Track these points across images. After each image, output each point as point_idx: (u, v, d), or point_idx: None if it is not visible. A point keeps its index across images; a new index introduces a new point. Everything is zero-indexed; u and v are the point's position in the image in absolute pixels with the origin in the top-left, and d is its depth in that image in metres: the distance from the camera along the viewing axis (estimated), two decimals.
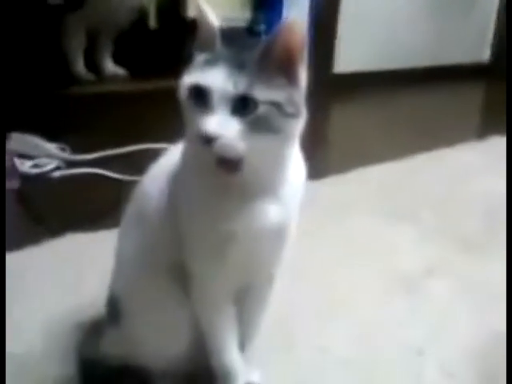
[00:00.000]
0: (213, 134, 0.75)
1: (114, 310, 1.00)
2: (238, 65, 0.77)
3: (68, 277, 1.37)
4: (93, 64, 3.22)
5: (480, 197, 2.01)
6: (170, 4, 3.47)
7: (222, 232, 0.86)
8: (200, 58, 0.80)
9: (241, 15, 3.35)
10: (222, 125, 0.75)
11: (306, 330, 1.23)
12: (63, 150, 2.19)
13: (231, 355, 0.98)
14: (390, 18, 3.87)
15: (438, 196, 2.00)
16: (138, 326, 0.97)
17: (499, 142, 2.64)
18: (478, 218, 1.84)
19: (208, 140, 0.75)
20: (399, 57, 3.98)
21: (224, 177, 0.81)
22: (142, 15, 3.34)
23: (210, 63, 0.78)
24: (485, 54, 4.53)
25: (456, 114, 3.45)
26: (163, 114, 2.77)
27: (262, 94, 0.76)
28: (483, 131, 3.00)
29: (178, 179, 0.91)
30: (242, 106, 0.76)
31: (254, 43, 0.81)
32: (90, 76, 3.15)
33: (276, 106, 0.77)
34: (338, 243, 1.59)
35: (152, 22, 3.49)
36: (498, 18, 4.41)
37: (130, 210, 1.01)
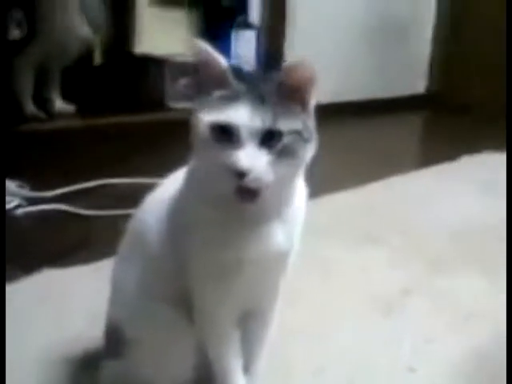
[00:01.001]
0: (247, 168, 0.77)
1: (116, 340, 0.97)
2: (258, 99, 0.79)
3: (50, 312, 1.33)
4: (41, 101, 3.17)
5: (441, 219, 2.09)
6: (116, 40, 3.48)
7: (230, 260, 0.87)
8: (214, 95, 0.82)
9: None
10: (253, 159, 0.78)
11: (299, 353, 1.24)
12: (22, 187, 2.14)
13: (237, 379, 0.97)
14: (333, 55, 4.00)
15: (403, 220, 2.06)
16: (143, 356, 0.95)
17: (446, 169, 2.77)
18: (443, 240, 1.90)
19: (241, 174, 0.77)
20: (345, 91, 4.10)
21: (240, 205, 0.82)
22: (89, 51, 3.33)
23: (230, 100, 0.80)
24: (420, 86, 4.72)
25: (400, 144, 3.57)
26: (116, 148, 2.81)
27: (285, 124, 0.79)
28: (426, 159, 3.12)
29: (181, 209, 0.91)
30: (268, 138, 0.79)
31: (265, 77, 0.84)
32: (41, 114, 3.10)
33: (297, 133, 0.81)
34: (314, 270, 1.61)
35: (97, 58, 3.49)
36: (432, 49, 4.62)
37: (127, 241, 1.01)
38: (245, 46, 3.55)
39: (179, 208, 0.92)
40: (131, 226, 1.01)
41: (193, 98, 0.87)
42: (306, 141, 0.82)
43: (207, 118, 0.80)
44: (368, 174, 2.57)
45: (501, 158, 2.75)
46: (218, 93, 0.81)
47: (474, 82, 4.32)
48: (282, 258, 0.91)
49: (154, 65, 3.39)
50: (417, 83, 4.71)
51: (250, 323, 0.98)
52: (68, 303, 1.37)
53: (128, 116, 3.06)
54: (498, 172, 2.50)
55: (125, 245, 1.01)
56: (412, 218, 2.09)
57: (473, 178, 2.59)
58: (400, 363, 1.24)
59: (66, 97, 3.26)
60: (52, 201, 2.06)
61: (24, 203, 2.02)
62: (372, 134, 3.73)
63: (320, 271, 1.61)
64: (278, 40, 3.74)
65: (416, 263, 1.72)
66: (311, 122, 0.84)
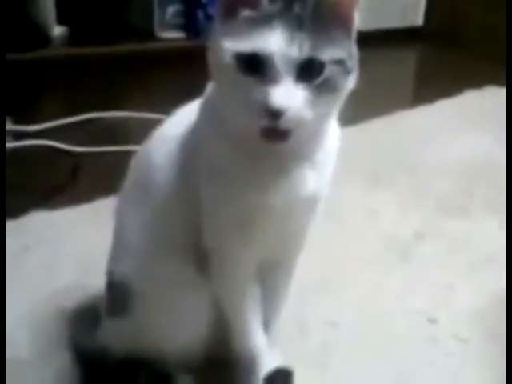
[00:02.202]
0: (282, 107, 0.65)
1: (120, 296, 0.87)
2: (295, 23, 0.66)
3: (38, 260, 1.24)
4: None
5: (446, 157, 1.98)
6: None
7: (254, 206, 0.76)
8: (240, 18, 0.68)
9: None
10: (289, 95, 0.65)
11: (314, 306, 1.16)
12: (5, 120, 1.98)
13: (256, 338, 0.89)
14: None
15: (407, 159, 1.95)
16: (152, 313, 0.85)
17: (448, 104, 2.65)
18: (450, 179, 1.80)
19: (274, 114, 0.65)
20: None
21: (267, 145, 0.70)
22: None
23: (260, 24, 0.66)
24: (417, 19, 4.54)
25: (397, 79, 3.43)
26: (112, 80, 2.65)
27: (327, 53, 0.67)
28: (426, 94, 2.98)
29: (196, 147, 0.79)
30: (307, 70, 0.66)
31: None
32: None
33: (340, 63, 0.68)
34: (324, 214, 1.51)
35: None
36: None
37: (131, 184, 0.89)
38: None
39: (194, 146, 0.80)
40: (135, 164, 0.90)
41: (212, 21, 0.73)
42: (348, 72, 0.69)
43: (232, 46, 0.67)
44: (366, 110, 2.43)
45: (503, 93, 2.64)
46: (244, 14, 0.68)
47: (473, 15, 4.15)
48: (311, 203, 0.81)
49: None
50: (414, 15, 4.53)
51: (270, 276, 0.88)
52: (56, 250, 1.27)
53: (116, 46, 2.86)
54: (501, 107, 2.39)
55: (128, 186, 0.90)
56: (417, 157, 1.98)
57: (476, 114, 2.48)
58: (420, 314, 1.17)
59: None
60: (37, 136, 1.91)
61: (8, 138, 1.87)
62: (367, 68, 3.57)
63: (330, 215, 1.49)
64: None
65: (426, 205, 1.64)
66: (355, 49, 0.71)
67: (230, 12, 0.69)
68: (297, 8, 0.67)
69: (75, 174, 1.72)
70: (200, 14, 3.01)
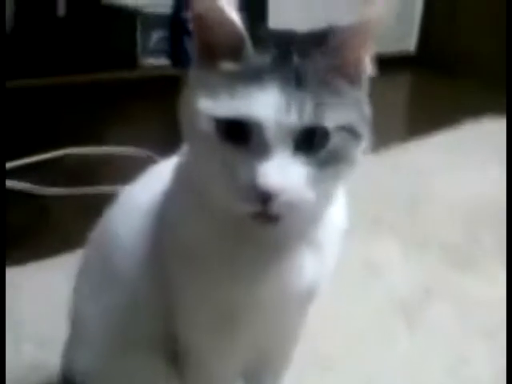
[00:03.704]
0: (274, 189, 0.50)
1: None
2: (293, 80, 0.51)
3: None
4: None
5: (450, 197, 1.82)
6: None
7: (240, 299, 0.61)
8: (221, 70, 0.53)
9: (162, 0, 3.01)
10: (285, 174, 0.50)
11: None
12: None
13: None
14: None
15: (407, 200, 1.79)
16: None
17: (447, 137, 2.50)
18: (456, 223, 1.65)
19: (266, 197, 0.50)
20: None
21: (258, 229, 0.55)
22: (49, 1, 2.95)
23: (247, 80, 0.51)
24: (410, 45, 4.44)
25: (390, 107, 3.29)
26: (79, 112, 2.48)
27: (333, 118, 0.52)
28: (421, 125, 2.83)
29: (170, 221, 0.63)
30: (307, 140, 0.51)
31: (301, 41, 0.55)
32: None
33: (349, 129, 0.53)
34: None
35: (61, 9, 3.10)
36: (424, 7, 4.33)
37: (91, 261, 0.73)
38: None
39: (166, 222, 0.64)
40: (96, 237, 0.74)
41: (188, 65, 0.58)
42: (360, 137, 0.54)
43: (211, 107, 0.52)
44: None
45: (503, 124, 2.50)
46: (226, 66, 0.53)
47: (467, 42, 4.05)
48: (310, 294, 0.65)
49: (124, 16, 3.00)
50: (407, 41, 4.42)
51: (257, 378, 0.72)
52: (14, 320, 1.08)
53: (94, 74, 2.71)
54: (501, 139, 2.23)
55: (88, 263, 0.74)
56: (418, 197, 1.82)
57: (476, 147, 2.33)
58: None
59: None
60: None
61: None
62: None
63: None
64: None
65: (430, 254, 1.48)
66: (367, 107, 0.56)
67: (208, 58, 0.54)
68: (296, 59, 0.52)
69: (42, 220, 1.54)
70: (187, 41, 2.87)
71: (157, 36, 2.92)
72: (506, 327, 1.19)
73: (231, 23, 0.52)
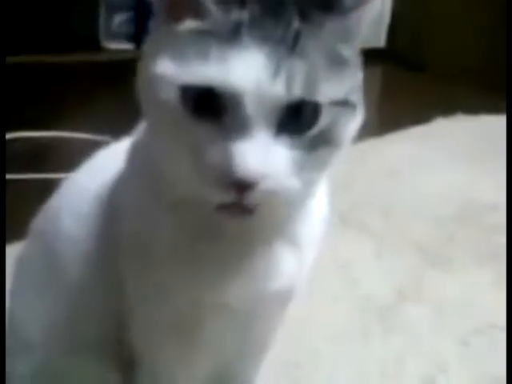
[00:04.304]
0: (252, 176, 0.40)
1: None
2: (283, 42, 0.41)
3: None
4: None
5: (423, 195, 1.75)
6: None
7: (204, 303, 0.51)
8: (185, 27, 0.44)
9: None
10: (265, 157, 0.41)
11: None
12: None
13: None
14: None
15: (379, 198, 1.71)
16: None
17: (419, 133, 2.45)
18: (430, 222, 1.58)
19: (243, 185, 0.40)
20: None
21: (228, 222, 0.46)
22: None
23: (224, 39, 0.41)
24: (380, 41, 4.40)
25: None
26: (36, 94, 2.35)
27: (329, 91, 0.43)
28: (392, 121, 2.77)
29: (122, 210, 0.53)
30: (294, 116, 0.42)
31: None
32: None
33: (343, 103, 0.44)
34: None
35: None
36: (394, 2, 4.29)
37: (32, 254, 0.63)
38: None
39: (116, 210, 0.55)
40: (38, 227, 0.65)
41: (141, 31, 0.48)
42: (353, 110, 0.46)
43: (176, 72, 0.42)
44: None
45: (477, 122, 2.46)
46: (189, 24, 0.43)
47: (436, 38, 4.03)
48: (286, 295, 0.57)
49: None
50: (377, 35, 4.38)
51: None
52: None
53: (54, 56, 2.58)
54: (475, 136, 2.24)
55: (29, 256, 0.64)
56: (390, 194, 1.74)
57: (449, 144, 2.27)
58: None
59: None
60: None
61: None
62: None
63: None
64: None
65: (404, 253, 1.40)
66: (360, 72, 0.48)
67: (172, 13, 0.44)
68: (289, 12, 0.42)
69: None
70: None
71: (120, 18, 2.80)
72: (483, 331, 1.13)
73: None
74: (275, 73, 0.40)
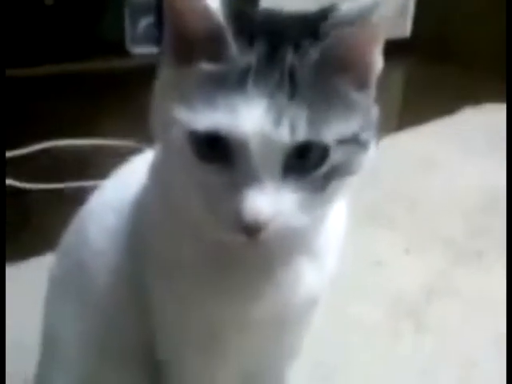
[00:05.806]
0: (261, 221, 0.42)
1: None
2: (285, 86, 0.42)
3: None
4: None
5: (451, 189, 1.74)
6: None
7: (229, 317, 0.53)
8: (198, 70, 0.44)
9: None
10: (274, 202, 0.42)
11: None
12: None
13: None
14: None
15: (406, 193, 1.70)
16: None
17: (446, 124, 2.42)
18: (458, 217, 1.57)
19: (253, 229, 0.42)
20: None
21: (241, 246, 0.47)
22: None
23: (228, 85, 0.42)
24: (406, 30, 4.35)
25: (387, 93, 3.20)
26: (66, 103, 2.38)
27: (334, 130, 0.43)
28: (418, 113, 2.73)
29: (148, 229, 0.56)
30: (301, 157, 0.43)
31: (292, 33, 0.45)
32: None
33: (352, 140, 0.45)
34: None
35: None
36: None
37: (62, 271, 0.65)
38: None
39: (140, 224, 0.56)
40: (66, 243, 0.66)
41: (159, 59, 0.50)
42: (366, 145, 0.46)
43: (185, 117, 0.43)
44: None
45: (504, 112, 2.41)
46: (204, 67, 0.44)
47: (461, 28, 3.97)
48: (310, 305, 0.58)
49: (111, 3, 2.89)
50: (402, 26, 4.33)
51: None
52: None
53: (82, 63, 2.62)
54: (504, 127, 2.15)
55: (59, 274, 0.66)
56: (418, 189, 1.73)
57: (478, 135, 2.24)
58: None
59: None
60: None
61: None
62: None
63: None
64: None
65: (433, 250, 1.40)
66: (374, 108, 0.48)
67: (183, 55, 0.45)
68: (290, 58, 0.43)
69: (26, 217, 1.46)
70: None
71: (145, 23, 2.82)
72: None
73: (205, 11, 0.43)
74: (277, 120, 0.41)
